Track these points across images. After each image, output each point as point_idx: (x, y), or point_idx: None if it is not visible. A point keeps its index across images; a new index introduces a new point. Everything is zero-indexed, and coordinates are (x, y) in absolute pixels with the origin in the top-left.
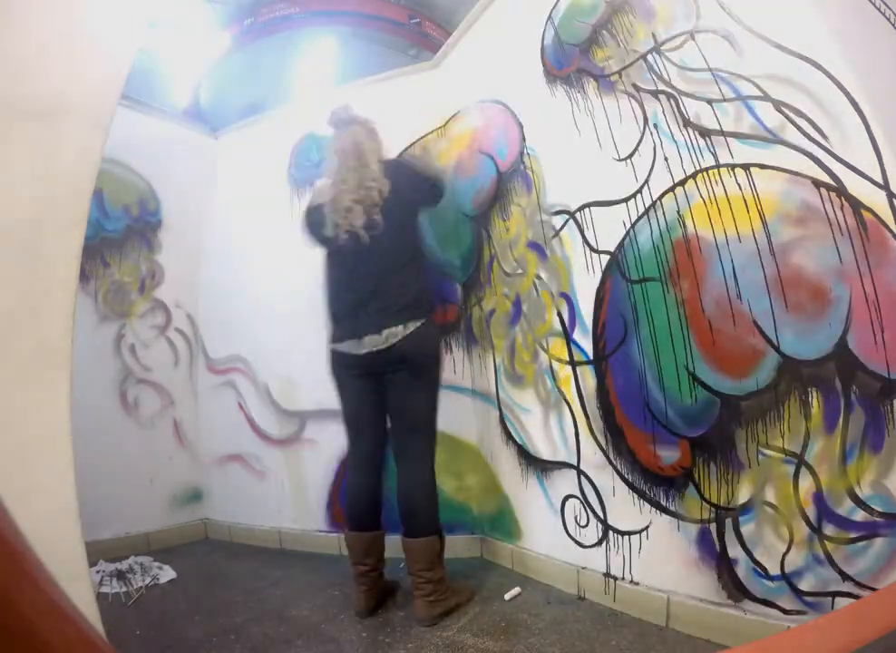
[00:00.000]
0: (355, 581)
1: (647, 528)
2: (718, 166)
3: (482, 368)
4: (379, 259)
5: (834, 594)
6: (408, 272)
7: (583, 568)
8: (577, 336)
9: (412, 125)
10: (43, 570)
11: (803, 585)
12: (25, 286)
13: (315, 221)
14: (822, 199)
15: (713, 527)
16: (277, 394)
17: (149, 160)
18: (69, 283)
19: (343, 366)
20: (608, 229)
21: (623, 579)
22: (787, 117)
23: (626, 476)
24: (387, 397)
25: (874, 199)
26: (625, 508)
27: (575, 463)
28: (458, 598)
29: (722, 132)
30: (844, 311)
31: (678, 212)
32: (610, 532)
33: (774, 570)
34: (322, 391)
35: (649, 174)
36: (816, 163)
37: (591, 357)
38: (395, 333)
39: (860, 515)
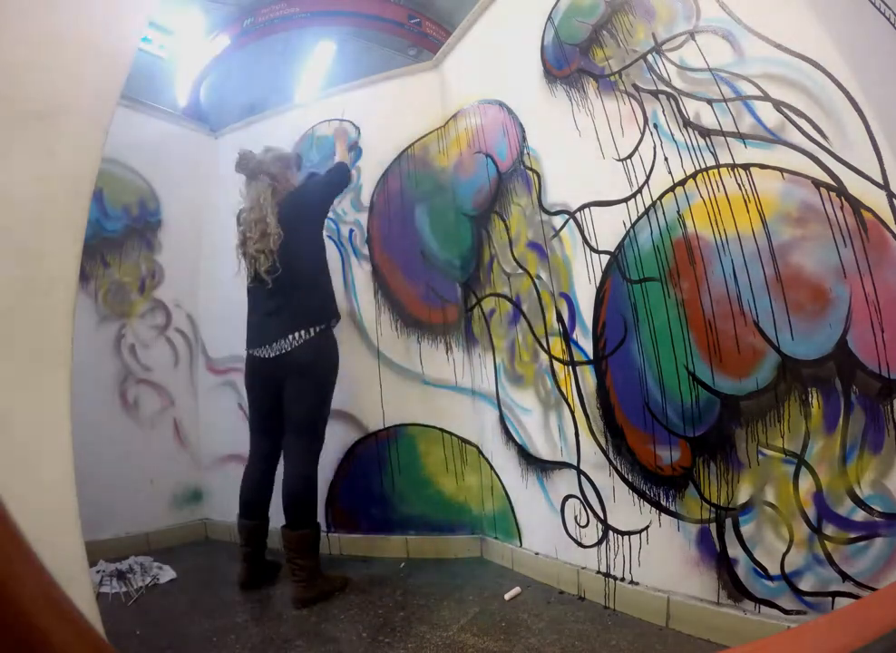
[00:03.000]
0: (241, 559)
1: (647, 528)
2: (718, 166)
3: (482, 368)
4: (282, 292)
5: (834, 594)
6: (308, 293)
7: (583, 568)
8: (577, 335)
9: (412, 125)
10: (43, 570)
11: (803, 585)
12: (25, 286)
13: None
14: (822, 199)
15: (713, 527)
16: None
17: (149, 160)
18: (69, 283)
19: (251, 371)
20: (608, 229)
21: (623, 579)
22: (787, 117)
23: (626, 476)
24: (283, 400)
25: (874, 199)
26: (625, 508)
27: (575, 463)
28: (331, 585)
29: (722, 132)
30: (844, 311)
31: (678, 212)
32: (610, 532)
33: (774, 570)
34: None
35: (649, 174)
36: (816, 163)
37: (591, 357)
38: (295, 340)
39: (860, 515)
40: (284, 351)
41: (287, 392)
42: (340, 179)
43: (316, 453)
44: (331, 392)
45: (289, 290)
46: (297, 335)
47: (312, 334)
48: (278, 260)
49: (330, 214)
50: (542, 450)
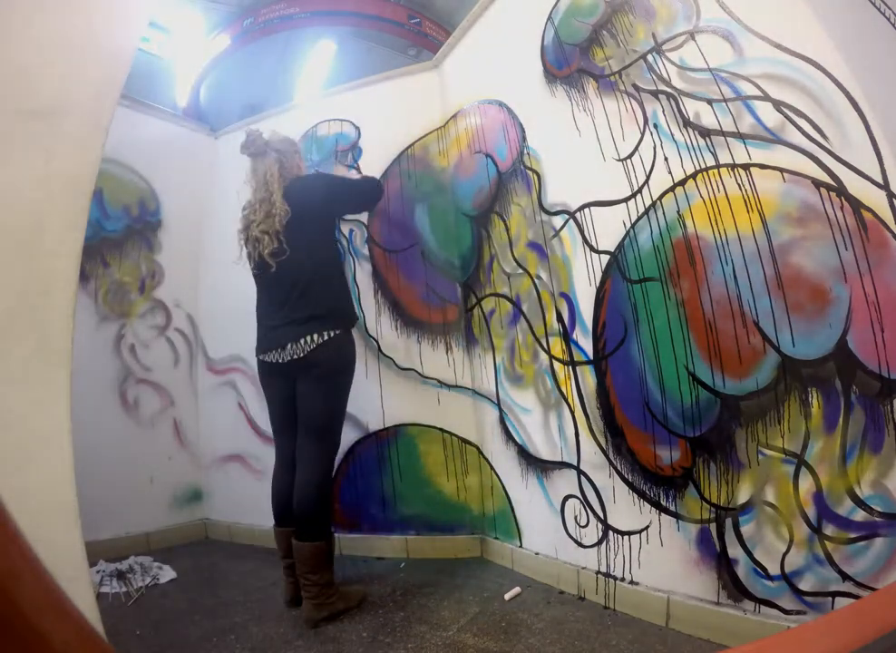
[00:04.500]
0: (283, 573)
1: (647, 528)
2: (718, 166)
3: (482, 368)
4: (289, 280)
5: (834, 594)
6: (321, 286)
7: (583, 568)
8: (577, 336)
9: (412, 125)
10: (43, 570)
11: (803, 585)
12: (25, 285)
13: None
14: (822, 199)
15: (713, 527)
16: None
17: (149, 160)
18: (69, 283)
19: (266, 374)
20: (608, 229)
21: (623, 579)
22: (787, 117)
23: (626, 476)
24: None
25: (874, 199)
26: (625, 508)
27: (575, 463)
28: (346, 602)
29: (722, 132)
30: (844, 311)
31: (678, 212)
32: (610, 532)
33: (774, 570)
34: None
35: (649, 174)
36: (816, 163)
37: (591, 357)
38: (307, 344)
39: (860, 515)
40: (297, 356)
41: (300, 394)
42: (372, 193)
43: (331, 459)
44: (345, 395)
45: (299, 282)
46: (308, 339)
47: (326, 338)
48: (285, 241)
49: None
50: (542, 450)
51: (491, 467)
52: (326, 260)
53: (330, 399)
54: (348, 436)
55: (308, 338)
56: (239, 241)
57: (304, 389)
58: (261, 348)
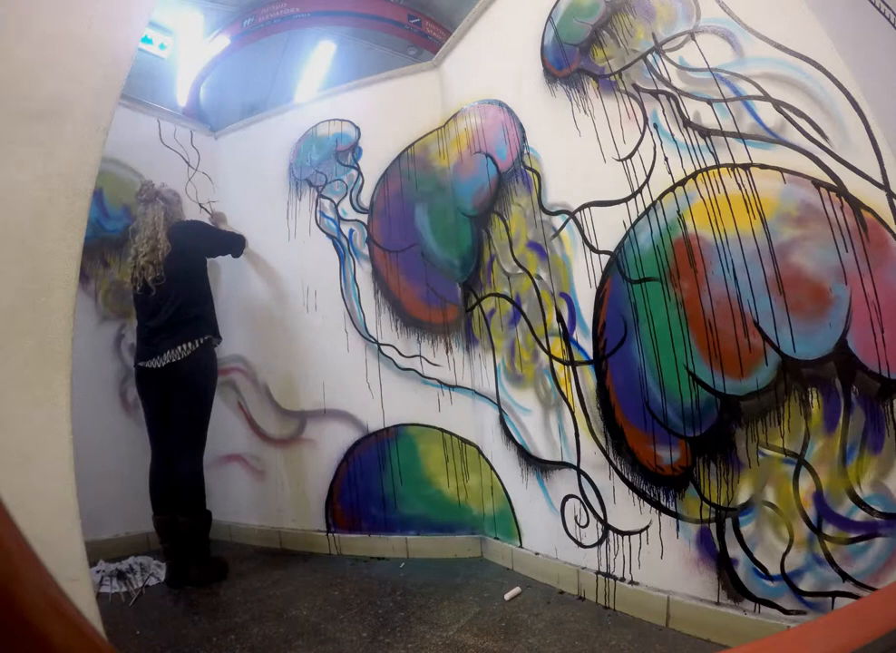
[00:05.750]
0: (164, 556)
1: (647, 528)
2: (718, 166)
3: (482, 368)
4: (165, 303)
5: (834, 594)
6: (188, 307)
7: (583, 568)
8: (577, 335)
9: (412, 125)
10: (43, 570)
11: (803, 585)
12: (26, 285)
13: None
14: (822, 199)
15: (713, 527)
16: (277, 395)
17: (149, 161)
18: (69, 283)
19: (143, 379)
20: (608, 229)
21: (623, 579)
22: (787, 117)
23: (626, 476)
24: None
25: (874, 199)
26: (625, 508)
27: (575, 463)
28: (216, 567)
29: (722, 132)
30: (844, 311)
31: (678, 212)
32: (610, 532)
33: (774, 570)
34: (322, 391)
35: (649, 174)
36: (816, 163)
37: (591, 357)
38: (179, 352)
39: (860, 515)
40: (173, 361)
41: (174, 399)
42: (236, 245)
43: (201, 452)
44: (211, 398)
45: (173, 304)
46: (183, 346)
47: (197, 345)
48: (164, 270)
49: (330, 214)
50: (542, 450)
51: (492, 467)
52: (196, 289)
53: (198, 403)
54: (348, 436)
55: (183, 346)
56: (128, 269)
57: (177, 395)
58: (140, 357)
